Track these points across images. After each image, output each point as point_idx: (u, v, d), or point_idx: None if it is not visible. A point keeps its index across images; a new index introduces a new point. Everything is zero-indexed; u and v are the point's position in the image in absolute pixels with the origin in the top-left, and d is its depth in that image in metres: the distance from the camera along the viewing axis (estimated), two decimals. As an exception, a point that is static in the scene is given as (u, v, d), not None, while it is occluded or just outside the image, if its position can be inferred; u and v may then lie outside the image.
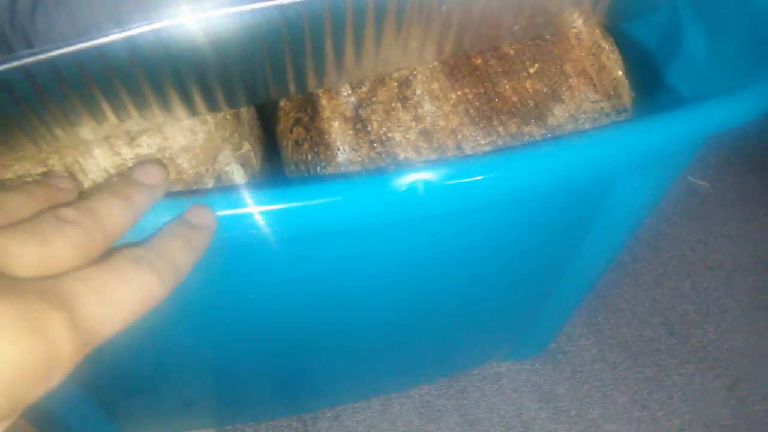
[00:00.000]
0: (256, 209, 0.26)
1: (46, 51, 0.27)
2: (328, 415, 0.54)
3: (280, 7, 0.26)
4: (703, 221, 0.71)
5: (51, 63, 0.26)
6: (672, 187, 0.76)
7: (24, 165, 0.31)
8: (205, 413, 0.51)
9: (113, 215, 0.23)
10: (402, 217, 0.30)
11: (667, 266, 0.67)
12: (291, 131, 0.39)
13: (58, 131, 0.30)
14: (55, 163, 0.31)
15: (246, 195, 0.27)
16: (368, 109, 0.36)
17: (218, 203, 0.26)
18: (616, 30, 0.40)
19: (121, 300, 0.21)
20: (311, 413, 0.54)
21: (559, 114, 0.35)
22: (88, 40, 0.27)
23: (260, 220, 0.27)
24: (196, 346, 0.41)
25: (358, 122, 0.36)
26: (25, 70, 0.26)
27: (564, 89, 0.35)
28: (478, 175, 0.28)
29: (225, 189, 0.34)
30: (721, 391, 0.58)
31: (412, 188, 0.28)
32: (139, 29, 0.26)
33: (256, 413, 0.53)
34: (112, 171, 0.32)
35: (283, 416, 0.53)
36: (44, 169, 0.31)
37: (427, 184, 0.28)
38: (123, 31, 0.26)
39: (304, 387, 0.51)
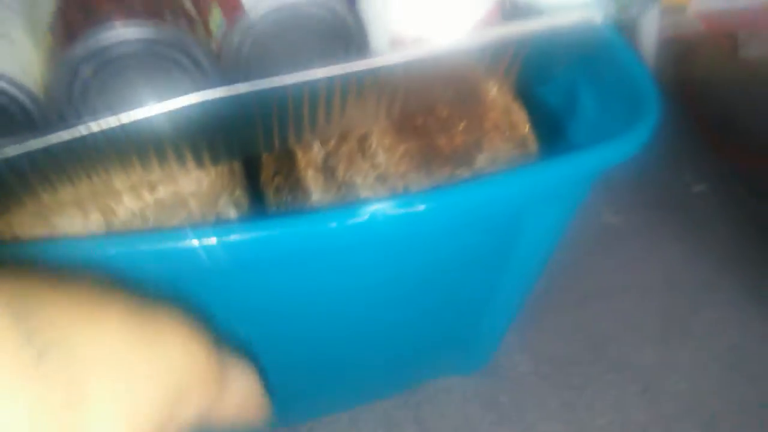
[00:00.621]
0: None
1: (92, 122, 0.36)
2: (302, 429, 0.61)
3: (274, 89, 0.36)
4: (617, 252, 0.83)
5: (98, 134, 0.35)
6: (589, 226, 0.88)
7: (67, 209, 0.39)
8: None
9: None
10: (343, 243, 0.39)
11: (587, 291, 0.78)
12: (272, 179, 0.48)
13: (96, 182, 0.38)
14: (92, 208, 0.40)
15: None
16: (335, 159, 0.45)
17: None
18: (526, 92, 0.51)
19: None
20: (285, 428, 0.61)
21: (481, 160, 0.45)
22: (120, 115, 0.36)
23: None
24: None
25: (327, 170, 0.45)
26: (81, 138, 0.35)
27: (485, 141, 0.46)
28: (418, 205, 0.38)
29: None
30: (636, 395, 0.68)
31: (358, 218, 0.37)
32: (160, 109, 0.36)
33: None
34: (137, 213, 0.40)
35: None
36: (84, 213, 0.39)
37: (373, 215, 0.37)
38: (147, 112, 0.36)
39: (276, 403, 0.59)
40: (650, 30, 0.96)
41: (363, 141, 0.46)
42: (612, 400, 0.67)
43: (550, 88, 0.58)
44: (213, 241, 0.34)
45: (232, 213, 0.44)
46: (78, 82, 0.35)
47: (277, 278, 0.42)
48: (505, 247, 0.49)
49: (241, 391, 0.25)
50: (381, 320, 0.51)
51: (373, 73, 0.38)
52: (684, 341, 0.73)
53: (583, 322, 0.74)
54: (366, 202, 0.38)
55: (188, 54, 0.37)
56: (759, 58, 1.01)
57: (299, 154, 0.46)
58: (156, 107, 0.35)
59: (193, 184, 0.42)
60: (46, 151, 0.34)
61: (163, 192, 0.41)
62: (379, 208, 0.37)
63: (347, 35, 0.40)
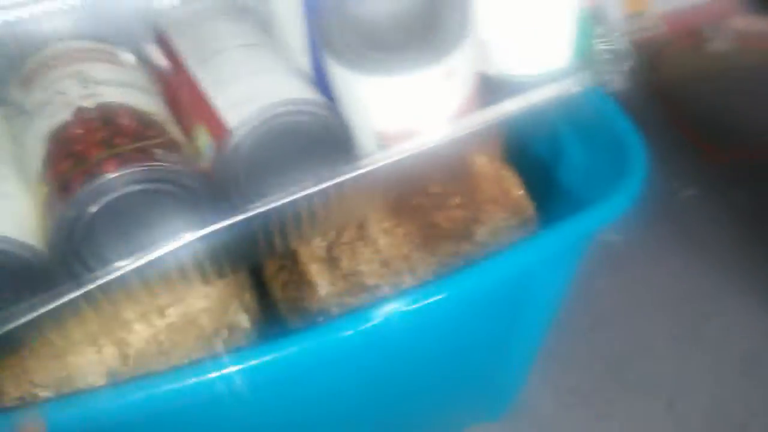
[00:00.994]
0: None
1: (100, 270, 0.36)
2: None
3: (277, 209, 0.37)
4: (619, 272, 0.83)
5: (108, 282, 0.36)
6: (590, 249, 0.88)
7: (81, 348, 0.39)
8: None
9: None
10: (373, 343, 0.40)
11: (596, 315, 0.78)
12: (277, 276, 0.48)
13: (106, 316, 0.39)
14: (105, 342, 0.40)
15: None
16: (337, 249, 0.46)
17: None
18: (516, 148, 0.52)
19: None
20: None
21: (481, 233, 0.45)
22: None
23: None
24: None
25: (331, 261, 0.46)
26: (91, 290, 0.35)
27: (481, 213, 0.46)
28: (436, 295, 0.38)
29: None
30: (660, 412, 0.68)
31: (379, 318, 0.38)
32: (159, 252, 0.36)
33: None
34: (151, 340, 0.40)
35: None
36: (97, 348, 0.40)
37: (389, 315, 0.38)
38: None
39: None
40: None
41: (362, 228, 0.46)
42: (637, 420, 0.68)
43: (539, 142, 0.59)
44: (232, 369, 0.35)
45: (243, 321, 0.44)
46: (78, 230, 0.35)
47: (301, 386, 0.42)
48: (514, 310, 0.50)
49: None
50: (405, 400, 0.51)
51: (364, 175, 0.39)
52: (698, 352, 0.74)
53: (598, 346, 0.75)
54: (378, 303, 0.38)
55: (180, 185, 0.37)
56: (726, 51, 1.01)
57: (300, 249, 0.46)
58: (158, 250, 0.35)
59: (202, 301, 0.42)
60: (56, 309, 0.34)
61: (173, 315, 0.41)
62: (392, 307, 0.38)
63: (334, 137, 0.40)
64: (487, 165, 0.48)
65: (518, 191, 0.48)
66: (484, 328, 0.49)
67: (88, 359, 0.40)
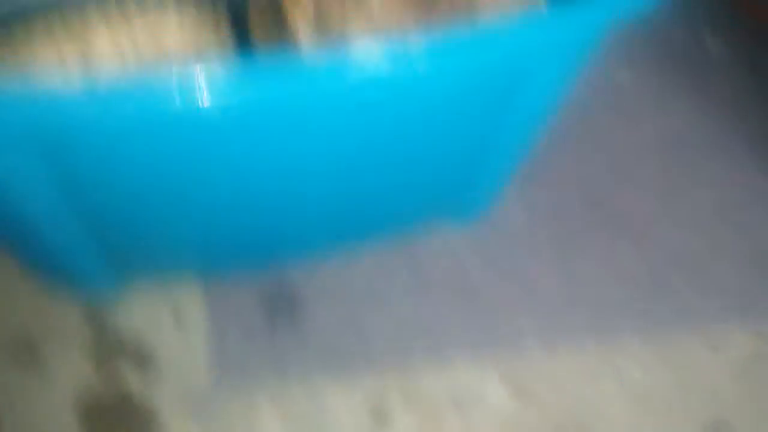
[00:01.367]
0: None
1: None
2: (300, 271, 0.63)
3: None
4: (622, 110, 0.80)
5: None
6: (597, 82, 0.84)
7: (41, 51, 0.37)
8: (190, 260, 0.59)
9: None
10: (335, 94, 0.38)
11: (588, 148, 0.76)
12: (263, 41, 0.44)
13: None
14: (68, 48, 0.37)
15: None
16: (327, 12, 0.42)
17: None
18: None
19: None
20: (284, 269, 0.63)
21: (484, 11, 0.41)
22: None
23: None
24: (181, 195, 0.49)
25: (320, 23, 0.42)
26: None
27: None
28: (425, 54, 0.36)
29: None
30: (628, 245, 0.69)
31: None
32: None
33: (234, 263, 0.62)
34: (114, 58, 0.38)
35: (259, 267, 0.62)
36: (59, 55, 0.37)
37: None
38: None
39: (275, 238, 0.60)
40: None
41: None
42: (605, 251, 0.68)
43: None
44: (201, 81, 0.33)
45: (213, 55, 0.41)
46: None
47: (267, 122, 0.40)
48: (507, 95, 0.47)
49: None
50: (377, 161, 0.50)
51: None
52: (682, 196, 0.73)
53: (582, 177, 0.74)
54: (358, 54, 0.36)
55: None
56: None
57: (288, 7, 0.42)
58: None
59: (174, 35, 0.39)
60: None
61: (142, 38, 0.38)
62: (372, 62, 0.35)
63: None
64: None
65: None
66: (472, 103, 0.47)
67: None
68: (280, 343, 0.60)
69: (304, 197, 0.54)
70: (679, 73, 0.84)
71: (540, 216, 0.70)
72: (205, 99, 0.33)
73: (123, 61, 0.37)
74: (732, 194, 0.74)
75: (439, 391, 0.59)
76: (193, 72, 0.33)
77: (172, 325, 0.60)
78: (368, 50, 0.35)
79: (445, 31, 0.41)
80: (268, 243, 0.61)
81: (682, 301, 0.66)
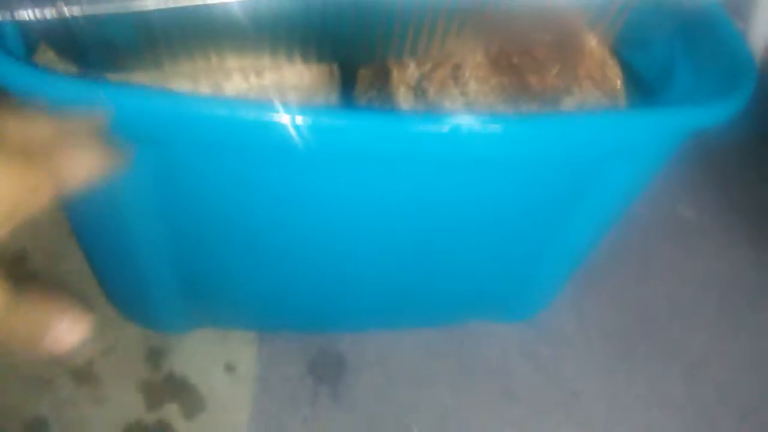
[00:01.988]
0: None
1: None
2: (349, 338, 0.65)
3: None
4: (685, 243, 0.82)
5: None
6: (662, 213, 0.88)
7: (180, 80, 0.43)
8: (252, 315, 0.62)
9: None
10: (420, 150, 0.41)
11: (648, 273, 0.78)
12: (366, 93, 0.50)
13: (213, 59, 0.42)
14: (203, 81, 0.43)
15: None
16: (428, 81, 0.47)
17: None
18: (623, 60, 0.52)
19: None
20: (335, 334, 0.65)
21: (569, 103, 0.46)
22: None
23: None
24: (251, 250, 0.53)
25: (419, 90, 0.47)
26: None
27: (575, 87, 0.47)
28: (499, 125, 0.40)
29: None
30: (677, 375, 0.68)
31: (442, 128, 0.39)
32: None
33: (290, 324, 0.64)
34: (242, 93, 0.43)
35: (312, 330, 0.64)
36: (194, 85, 0.43)
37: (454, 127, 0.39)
38: None
39: (328, 309, 0.63)
40: (763, 23, 0.92)
41: (457, 69, 0.47)
42: (652, 376, 0.68)
43: (648, 62, 0.58)
44: (299, 120, 0.37)
45: (324, 113, 0.47)
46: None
47: (352, 176, 0.44)
48: (576, 195, 0.50)
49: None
50: (434, 247, 0.53)
51: (480, 5, 0.40)
52: (735, 336, 0.73)
53: (639, 300, 0.75)
54: (449, 114, 0.40)
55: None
56: None
57: (395, 72, 0.48)
58: None
59: (295, 78, 0.45)
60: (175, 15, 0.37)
61: (268, 79, 0.44)
62: (461, 121, 0.39)
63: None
64: (595, 47, 0.48)
65: (617, 81, 0.48)
66: (540, 201, 0.50)
67: (183, 89, 0.43)
68: (320, 412, 0.60)
69: (365, 270, 0.57)
70: (743, 216, 0.87)
71: (591, 329, 0.71)
72: (306, 138, 0.38)
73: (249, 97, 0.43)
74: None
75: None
76: (302, 111, 0.38)
77: (223, 378, 0.61)
78: (459, 120, 0.40)
79: (532, 112, 0.46)
80: (325, 310, 0.63)
81: (728, 441, 0.64)
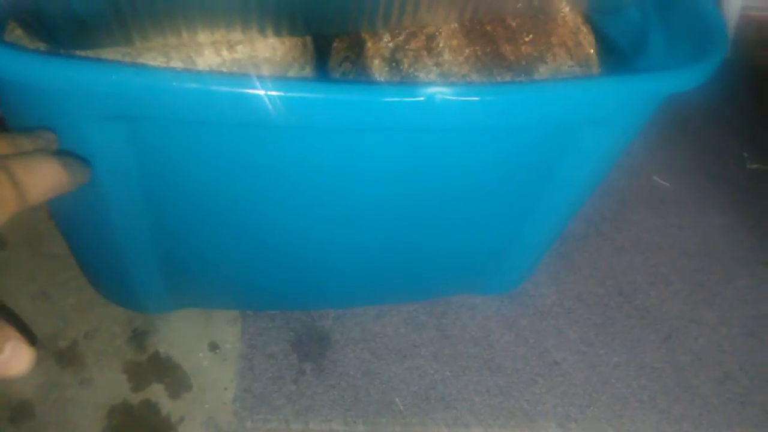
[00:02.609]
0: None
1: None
2: (332, 315, 0.65)
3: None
4: (661, 213, 0.84)
5: None
6: (638, 184, 0.89)
7: (152, 54, 0.43)
8: (235, 295, 0.62)
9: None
10: (396, 122, 0.41)
11: (624, 243, 0.79)
12: (340, 65, 0.50)
13: (183, 33, 0.42)
14: (175, 55, 0.43)
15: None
16: (402, 52, 0.48)
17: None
18: (596, 27, 0.52)
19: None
20: (318, 311, 0.65)
21: (542, 71, 0.47)
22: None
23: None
24: (233, 228, 0.53)
25: (393, 62, 0.48)
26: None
27: (548, 55, 0.47)
28: (474, 96, 0.40)
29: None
30: (655, 342, 0.70)
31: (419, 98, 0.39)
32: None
33: (273, 303, 0.64)
34: (215, 68, 0.43)
35: (296, 308, 0.65)
36: (166, 59, 0.43)
37: (430, 96, 0.39)
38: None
39: (311, 287, 0.63)
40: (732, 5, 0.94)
41: (431, 39, 0.48)
42: (630, 344, 0.69)
43: (621, 29, 0.59)
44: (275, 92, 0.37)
45: (299, 86, 0.47)
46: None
47: (330, 149, 0.44)
48: (551, 164, 0.51)
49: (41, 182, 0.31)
50: (415, 219, 0.53)
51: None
52: (711, 304, 0.74)
53: (616, 270, 0.76)
54: (423, 84, 0.40)
55: None
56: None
57: (368, 44, 0.48)
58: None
59: (268, 51, 0.44)
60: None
61: (240, 53, 0.44)
62: (436, 91, 0.39)
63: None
64: (568, 15, 0.48)
65: (591, 48, 0.48)
66: (515, 171, 0.50)
67: (156, 64, 0.43)
68: (305, 389, 0.61)
69: (347, 245, 0.57)
70: (717, 187, 0.88)
71: (570, 299, 0.72)
72: (282, 111, 0.38)
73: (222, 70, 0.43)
74: (762, 310, 0.75)
75: (455, 458, 0.59)
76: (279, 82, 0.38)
77: (207, 357, 0.61)
78: (434, 90, 0.40)
79: (506, 82, 0.46)
80: (308, 287, 0.64)
81: (703, 405, 0.66)
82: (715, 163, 0.92)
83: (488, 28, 0.48)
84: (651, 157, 0.91)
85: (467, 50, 0.47)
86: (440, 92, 0.39)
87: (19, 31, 0.43)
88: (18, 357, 0.29)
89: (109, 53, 0.43)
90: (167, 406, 0.57)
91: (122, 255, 0.54)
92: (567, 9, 0.48)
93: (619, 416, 0.63)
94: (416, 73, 0.47)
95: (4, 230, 0.66)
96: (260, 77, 0.38)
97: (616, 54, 0.59)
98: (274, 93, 0.37)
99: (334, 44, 0.51)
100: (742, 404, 0.66)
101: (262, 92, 0.37)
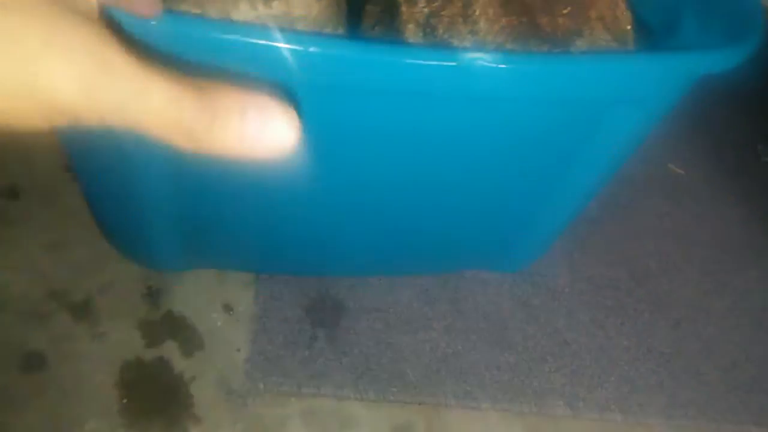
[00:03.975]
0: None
1: None
2: (346, 283, 0.65)
3: None
4: (675, 201, 0.84)
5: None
6: (653, 171, 0.89)
7: (186, 6, 0.42)
8: (250, 256, 0.62)
9: None
10: (427, 86, 0.41)
11: (638, 228, 0.79)
12: (373, 28, 0.50)
13: (220, -16, 0.41)
14: (210, 8, 0.42)
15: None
16: (437, 19, 0.47)
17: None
18: (629, 5, 0.52)
19: None
20: (332, 279, 0.65)
21: (579, 45, 0.46)
22: None
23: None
24: (251, 195, 0.52)
25: (428, 27, 0.47)
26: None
27: (586, 29, 0.47)
28: (510, 64, 0.39)
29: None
30: (665, 328, 0.70)
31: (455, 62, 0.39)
32: None
33: (288, 267, 0.64)
34: (249, 21, 0.43)
35: (310, 274, 0.65)
36: (201, 10, 0.42)
37: (470, 62, 0.39)
38: None
39: (328, 252, 0.63)
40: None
41: (467, 7, 0.47)
42: (640, 328, 0.69)
43: (654, 8, 0.59)
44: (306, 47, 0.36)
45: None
46: None
47: (355, 110, 0.44)
48: (580, 142, 0.50)
49: (245, 126, 0.21)
50: (440, 187, 0.53)
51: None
52: (722, 293, 0.75)
53: (628, 255, 0.76)
54: (459, 49, 0.40)
55: None
56: None
57: (403, 8, 0.48)
58: None
59: (303, 8, 0.44)
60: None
61: (276, 8, 0.43)
62: (471, 57, 0.39)
63: None
64: (607, -12, 0.48)
65: (628, 23, 0.48)
66: (542, 146, 0.50)
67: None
68: (317, 354, 0.61)
69: (365, 212, 0.57)
70: (731, 178, 0.88)
71: (582, 281, 0.72)
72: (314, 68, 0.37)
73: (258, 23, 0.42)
74: (770, 301, 0.76)
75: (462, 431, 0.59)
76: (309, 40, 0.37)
77: (221, 318, 0.61)
78: (469, 56, 0.40)
79: (541, 53, 0.45)
80: (324, 252, 0.63)
81: (709, 391, 0.66)
82: (730, 154, 0.91)
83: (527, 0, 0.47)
84: (666, 145, 0.91)
85: (503, 20, 0.47)
86: (480, 58, 0.39)
87: None
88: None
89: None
90: (180, 364, 0.57)
91: (142, 211, 0.54)
92: (606, -17, 0.47)
93: (626, 398, 0.64)
94: (451, 40, 0.47)
95: (19, 180, 0.65)
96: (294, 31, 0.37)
97: (647, 33, 0.59)
98: (308, 47, 0.36)
99: (367, 7, 0.50)
100: (748, 393, 0.67)
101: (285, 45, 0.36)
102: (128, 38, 0.20)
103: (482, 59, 0.39)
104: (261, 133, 0.22)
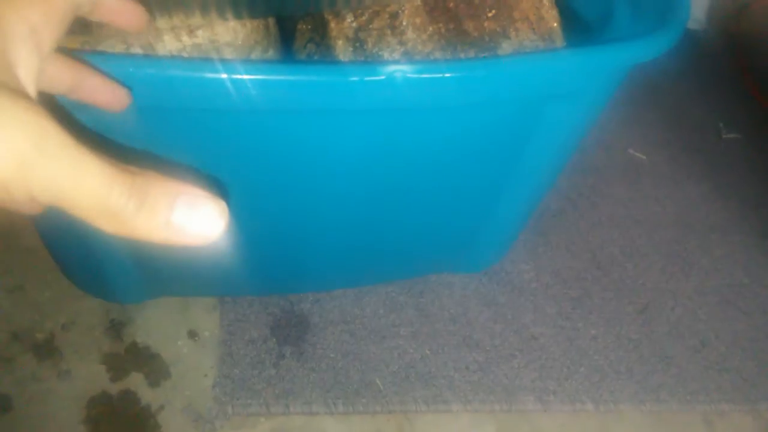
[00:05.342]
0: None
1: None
2: (311, 298, 0.66)
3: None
4: (637, 186, 0.84)
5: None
6: (614, 158, 0.89)
7: (111, 42, 0.42)
8: (212, 282, 0.62)
9: None
10: (360, 103, 0.41)
11: (601, 217, 0.80)
12: (305, 47, 0.50)
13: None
14: (134, 42, 0.43)
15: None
16: (365, 32, 0.47)
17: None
18: (562, 4, 0.52)
19: None
20: (297, 295, 0.65)
21: (506, 47, 0.47)
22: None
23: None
24: None
25: (357, 42, 0.47)
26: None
27: (511, 30, 0.47)
28: (438, 73, 0.40)
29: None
30: (632, 314, 0.71)
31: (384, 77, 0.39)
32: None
33: (251, 288, 0.64)
34: (175, 53, 0.43)
35: (274, 293, 0.65)
36: (125, 46, 0.42)
37: (392, 75, 0.39)
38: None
39: (290, 271, 0.63)
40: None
41: (394, 18, 0.47)
42: (607, 316, 0.70)
43: (587, 2, 0.59)
44: (240, 75, 0.37)
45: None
46: None
47: (292, 130, 0.44)
48: (520, 140, 0.51)
49: None
50: (391, 199, 0.53)
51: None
52: (688, 274, 0.75)
53: (592, 244, 0.77)
54: (387, 63, 0.40)
55: None
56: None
57: (332, 24, 0.48)
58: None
59: (229, 34, 0.44)
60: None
61: (201, 37, 0.43)
62: (398, 69, 0.39)
63: None
64: (530, -11, 0.48)
65: (554, 22, 0.48)
66: (485, 147, 0.50)
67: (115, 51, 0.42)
68: (285, 371, 0.61)
69: (324, 227, 0.57)
70: (693, 158, 0.89)
71: (547, 275, 0.72)
72: (249, 92, 0.38)
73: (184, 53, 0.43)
74: (737, 278, 0.76)
75: (436, 436, 0.59)
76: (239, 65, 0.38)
77: (186, 345, 0.61)
78: (396, 68, 0.40)
79: (470, 58, 0.46)
80: (286, 271, 0.64)
81: (680, 373, 0.67)
82: (691, 134, 0.92)
83: (451, 4, 0.48)
84: (626, 130, 0.91)
85: (431, 28, 0.47)
86: (401, 70, 0.39)
87: None
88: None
89: (68, 41, 0.42)
90: (147, 395, 0.57)
91: (98, 249, 0.54)
92: (529, -17, 0.48)
93: (596, 387, 0.64)
94: (380, 53, 0.47)
95: (-23, 226, 0.65)
96: (223, 60, 0.37)
97: (582, 27, 0.59)
98: (237, 77, 0.37)
99: (299, 26, 0.51)
100: (719, 371, 0.67)
101: (224, 75, 0.37)
102: (65, 116, 0.20)
103: (401, 71, 0.39)
104: (188, 223, 0.22)
